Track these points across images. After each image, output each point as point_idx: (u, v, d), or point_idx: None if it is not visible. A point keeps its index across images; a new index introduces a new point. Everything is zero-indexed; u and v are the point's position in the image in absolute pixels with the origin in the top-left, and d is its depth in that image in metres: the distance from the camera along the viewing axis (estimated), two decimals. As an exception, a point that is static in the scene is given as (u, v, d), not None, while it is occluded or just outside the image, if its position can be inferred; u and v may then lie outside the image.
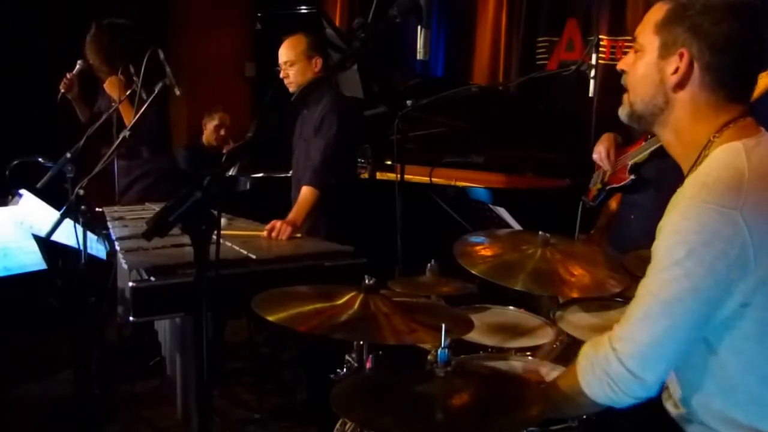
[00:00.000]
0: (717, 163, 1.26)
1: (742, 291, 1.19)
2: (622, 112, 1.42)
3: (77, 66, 3.56)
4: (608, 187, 2.70)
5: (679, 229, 1.20)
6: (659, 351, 1.22)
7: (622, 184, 2.61)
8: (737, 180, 1.20)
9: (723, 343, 1.24)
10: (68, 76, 3.56)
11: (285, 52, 3.04)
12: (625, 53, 1.44)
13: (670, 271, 1.20)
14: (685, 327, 1.21)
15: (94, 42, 3.51)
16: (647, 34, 1.33)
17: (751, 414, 1.26)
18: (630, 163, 2.58)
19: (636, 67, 1.36)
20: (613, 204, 2.81)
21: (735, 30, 1.25)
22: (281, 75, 3.06)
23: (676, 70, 1.29)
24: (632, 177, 2.55)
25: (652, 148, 2.48)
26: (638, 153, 2.56)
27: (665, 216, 1.25)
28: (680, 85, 1.30)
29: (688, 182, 1.27)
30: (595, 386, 1.29)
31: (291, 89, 3.06)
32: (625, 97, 1.41)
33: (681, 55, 1.28)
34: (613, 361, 1.25)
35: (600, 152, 2.67)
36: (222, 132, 4.64)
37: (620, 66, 1.41)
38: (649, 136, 2.48)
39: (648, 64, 1.33)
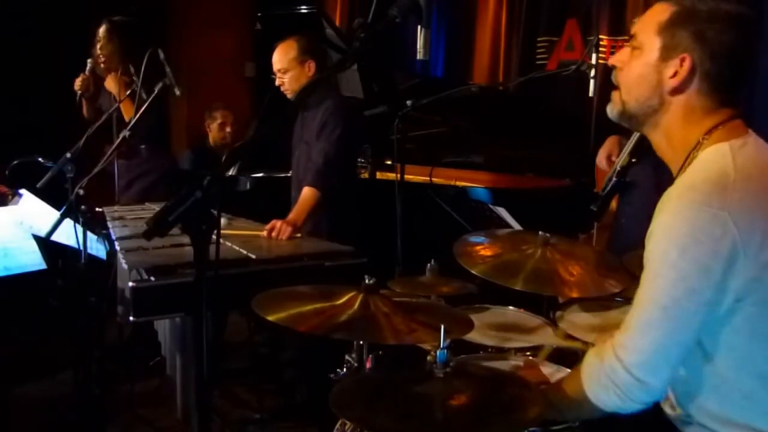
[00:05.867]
0: (704, 165, 1.27)
1: (734, 289, 1.19)
2: (612, 111, 1.39)
3: (88, 65, 3.56)
4: (601, 193, 2.70)
5: (670, 232, 1.21)
6: (664, 356, 1.23)
7: (605, 188, 2.60)
8: (723, 180, 1.21)
9: (715, 340, 1.25)
10: (83, 75, 3.56)
11: (277, 60, 3.03)
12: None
13: (666, 276, 1.21)
14: (687, 330, 1.22)
15: (109, 39, 3.50)
16: (648, 33, 1.30)
17: (746, 411, 1.26)
18: (618, 167, 2.58)
19: (631, 66, 1.34)
20: (613, 204, 2.81)
21: (736, 40, 1.26)
22: (277, 83, 3.05)
23: (674, 74, 1.28)
24: (614, 179, 2.55)
25: (629, 149, 2.49)
26: (621, 156, 2.56)
27: (654, 219, 1.25)
28: (678, 90, 1.29)
29: (677, 184, 1.28)
30: (602, 395, 1.28)
31: (288, 95, 3.05)
32: (616, 94, 1.38)
33: (682, 60, 1.27)
34: (620, 370, 1.25)
35: (600, 158, 2.66)
36: (228, 129, 4.49)
37: (613, 61, 1.38)
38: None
39: (646, 65, 1.31)
